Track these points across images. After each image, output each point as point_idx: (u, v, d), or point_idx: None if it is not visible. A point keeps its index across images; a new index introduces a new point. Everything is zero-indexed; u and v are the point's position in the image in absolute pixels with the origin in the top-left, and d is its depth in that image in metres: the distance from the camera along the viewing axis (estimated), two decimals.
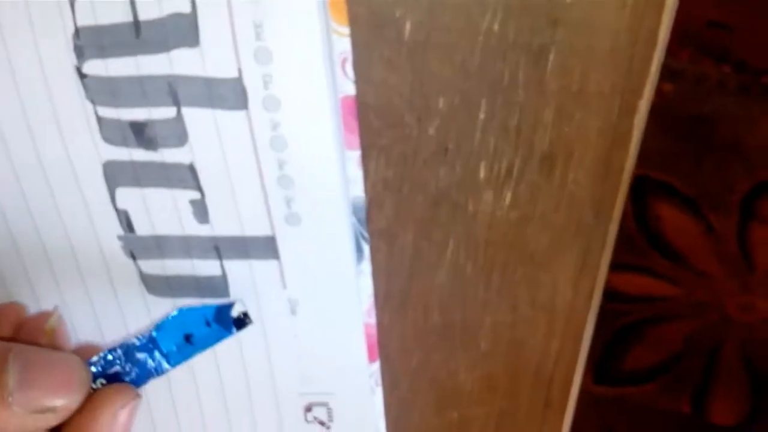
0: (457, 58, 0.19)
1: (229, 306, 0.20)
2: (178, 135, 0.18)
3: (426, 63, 0.19)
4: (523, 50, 0.19)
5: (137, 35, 0.17)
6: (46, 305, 0.21)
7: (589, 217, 0.21)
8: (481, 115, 0.20)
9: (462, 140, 0.20)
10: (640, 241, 0.41)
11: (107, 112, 0.18)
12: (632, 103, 0.20)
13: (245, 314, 0.20)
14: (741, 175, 0.39)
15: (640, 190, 0.40)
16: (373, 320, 0.22)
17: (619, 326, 0.44)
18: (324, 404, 0.22)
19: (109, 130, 0.19)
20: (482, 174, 0.21)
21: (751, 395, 0.47)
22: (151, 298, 0.21)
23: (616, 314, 0.44)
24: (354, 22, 0.19)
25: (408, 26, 0.19)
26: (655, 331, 0.45)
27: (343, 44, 0.19)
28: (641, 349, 0.45)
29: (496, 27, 0.19)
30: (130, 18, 0.17)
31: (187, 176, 0.19)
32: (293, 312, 0.21)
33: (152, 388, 0.22)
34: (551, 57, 0.19)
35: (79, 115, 0.18)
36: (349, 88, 0.19)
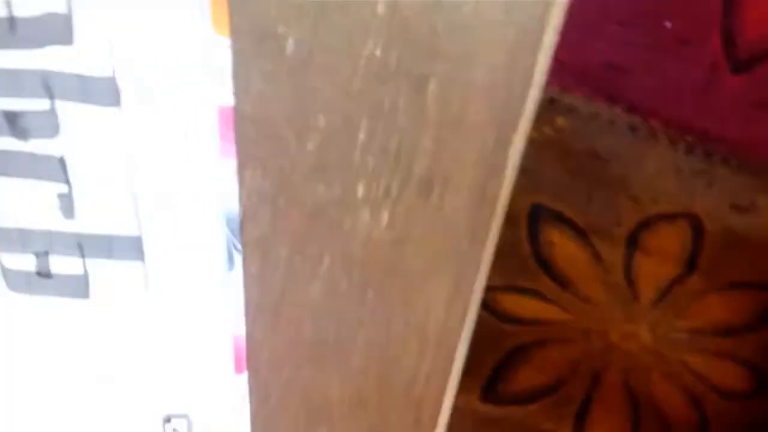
0: (338, 79, 0.20)
1: None
2: (51, 126, 0.18)
3: (307, 80, 0.19)
4: (404, 77, 0.20)
5: (12, 30, 0.17)
6: None
7: (464, 242, 0.22)
8: (361, 136, 0.20)
9: (341, 158, 0.21)
10: (532, 265, 0.43)
11: None
12: (507, 136, 0.21)
13: None
14: (629, 210, 0.42)
15: (535, 216, 0.42)
16: (242, 331, 0.22)
17: (510, 347, 0.46)
18: (184, 416, 0.22)
19: None
20: (360, 193, 0.21)
21: (630, 422, 0.50)
22: (12, 295, 0.20)
23: (507, 335, 0.46)
24: (235, 34, 0.18)
25: (290, 43, 0.19)
26: (542, 353, 0.47)
27: (223, 54, 0.18)
28: (528, 371, 0.47)
29: (378, 53, 0.19)
30: (5, 13, 0.17)
31: (57, 169, 0.19)
32: (154, 317, 0.21)
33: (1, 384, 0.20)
34: (431, 87, 0.20)
35: None
36: (228, 98, 0.19)
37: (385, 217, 0.21)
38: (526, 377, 0.46)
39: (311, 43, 0.19)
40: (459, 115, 0.21)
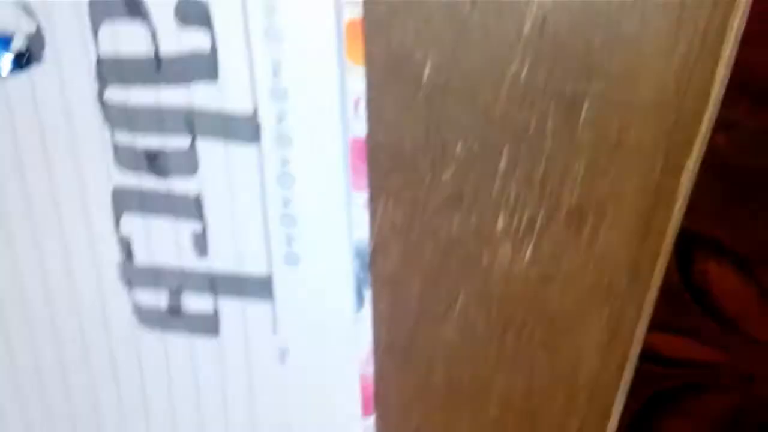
0: (478, 103, 0.18)
1: (6, 40, 0.17)
2: (190, 164, 0.19)
3: (444, 106, 0.18)
4: (553, 98, 0.18)
5: (158, 68, 0.18)
6: (38, 328, 0.21)
7: (623, 281, 0.19)
8: (502, 164, 0.18)
9: (479, 188, 0.19)
10: (683, 298, 0.38)
11: (124, 138, 0.19)
12: (678, 161, 0.18)
13: (27, 53, 0.17)
14: None
15: (686, 244, 0.37)
16: (370, 371, 0.21)
17: (654, 392, 0.40)
18: None
19: (124, 156, 0.19)
20: (500, 225, 0.19)
21: None
22: (143, 332, 0.21)
23: (651, 378, 0.40)
24: (370, 62, 0.18)
25: (428, 68, 0.18)
26: (694, 401, 0.41)
27: (358, 84, 0.18)
28: (677, 421, 0.41)
29: (524, 74, 0.17)
30: (151, 52, 0.17)
31: (193, 207, 0.19)
32: (282, 360, 0.20)
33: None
34: (585, 107, 0.18)
35: (95, 139, 0.19)
36: (360, 129, 0.18)
37: (528, 251, 0.19)
38: (674, 428, 0.41)
39: (450, 68, 0.17)
40: (618, 138, 0.18)
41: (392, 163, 0.19)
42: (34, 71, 0.18)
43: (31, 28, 0.18)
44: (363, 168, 0.18)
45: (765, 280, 0.38)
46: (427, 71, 0.18)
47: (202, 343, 0.20)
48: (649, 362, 0.40)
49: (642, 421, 0.42)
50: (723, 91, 0.18)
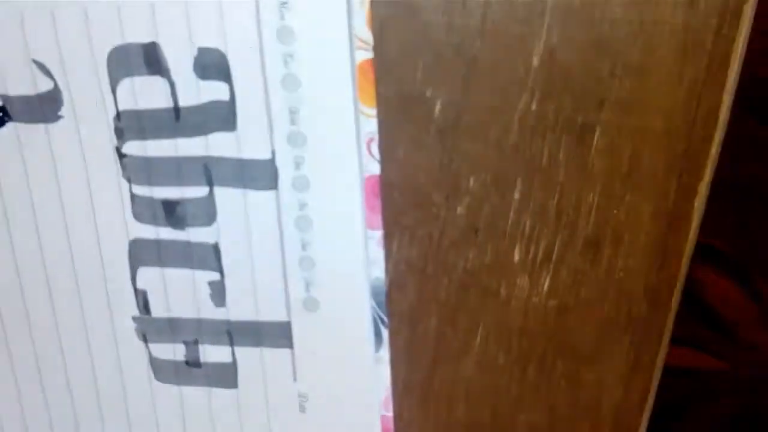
0: (490, 137, 0.18)
1: None
2: (208, 214, 0.18)
3: (456, 141, 0.18)
4: (564, 129, 0.17)
5: (177, 120, 0.17)
6: (51, 385, 0.20)
7: (642, 308, 0.19)
8: (516, 196, 0.18)
9: (494, 221, 0.19)
10: (680, 307, 0.38)
11: (141, 190, 0.18)
12: (691, 186, 0.18)
13: (2, 110, 0.17)
14: None
15: None
16: (390, 413, 0.20)
17: (658, 404, 0.40)
18: None
19: (141, 208, 0.18)
20: (516, 257, 0.19)
21: None
22: (157, 385, 0.20)
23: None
24: (382, 102, 0.17)
25: (438, 105, 0.17)
26: (697, 410, 0.41)
27: (370, 125, 0.17)
28: (682, 431, 0.41)
29: (534, 106, 0.17)
30: (170, 104, 0.17)
31: (210, 256, 0.19)
32: (302, 408, 0.19)
33: None
34: (596, 136, 0.18)
35: (113, 192, 0.18)
36: (374, 168, 0.18)
37: (546, 282, 0.19)
38: None
39: (460, 104, 0.17)
40: (630, 165, 0.18)
41: (406, 199, 0.18)
42: (51, 127, 0.18)
43: (47, 86, 0.17)
44: (378, 206, 0.18)
45: (761, 286, 0.38)
46: (438, 108, 0.17)
47: (219, 395, 0.20)
48: None
49: None
50: (729, 115, 0.18)
